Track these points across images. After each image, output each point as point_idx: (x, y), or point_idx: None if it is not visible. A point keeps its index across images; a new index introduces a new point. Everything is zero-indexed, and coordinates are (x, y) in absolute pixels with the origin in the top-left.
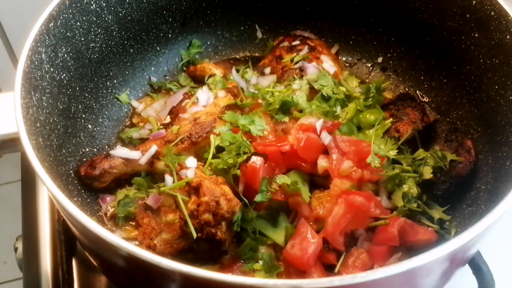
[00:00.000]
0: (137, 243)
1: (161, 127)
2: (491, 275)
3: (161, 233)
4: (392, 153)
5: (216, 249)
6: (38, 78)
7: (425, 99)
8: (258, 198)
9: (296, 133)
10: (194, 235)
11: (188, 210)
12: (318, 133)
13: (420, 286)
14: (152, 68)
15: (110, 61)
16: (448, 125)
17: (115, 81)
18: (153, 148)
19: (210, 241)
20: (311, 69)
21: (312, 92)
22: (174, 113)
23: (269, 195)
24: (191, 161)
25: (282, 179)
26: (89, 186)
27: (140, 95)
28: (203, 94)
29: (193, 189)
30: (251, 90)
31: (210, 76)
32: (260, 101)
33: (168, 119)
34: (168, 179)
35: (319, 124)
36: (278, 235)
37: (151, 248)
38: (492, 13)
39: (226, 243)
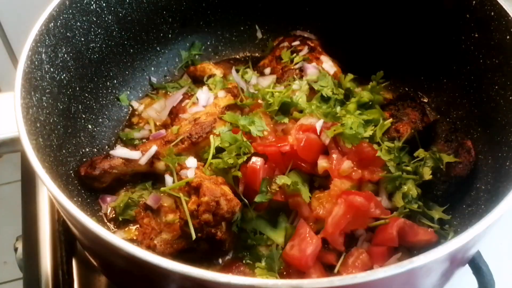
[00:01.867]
0: (137, 243)
1: (161, 127)
2: (491, 275)
3: (161, 233)
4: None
5: (216, 249)
6: (38, 78)
7: (425, 99)
8: (258, 198)
9: (296, 133)
10: (194, 235)
11: (188, 210)
12: (318, 134)
13: (420, 286)
14: (152, 68)
15: (110, 61)
16: (448, 125)
17: (115, 81)
18: (153, 148)
19: (210, 241)
20: (311, 69)
21: (312, 92)
22: (174, 113)
23: (269, 195)
24: (191, 161)
25: (282, 179)
26: (89, 186)
27: (140, 95)
28: (203, 94)
29: (193, 189)
30: (251, 90)
31: (210, 76)
32: (260, 101)
33: (168, 120)
34: (168, 179)
35: (319, 124)
36: (277, 236)
37: (151, 248)
38: (492, 13)
39: (226, 243)
